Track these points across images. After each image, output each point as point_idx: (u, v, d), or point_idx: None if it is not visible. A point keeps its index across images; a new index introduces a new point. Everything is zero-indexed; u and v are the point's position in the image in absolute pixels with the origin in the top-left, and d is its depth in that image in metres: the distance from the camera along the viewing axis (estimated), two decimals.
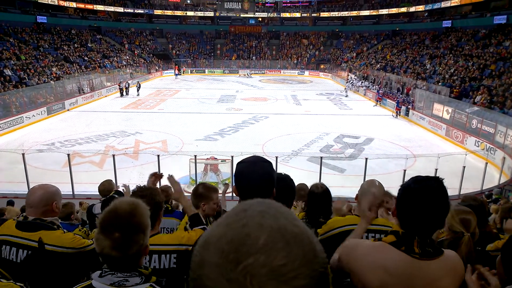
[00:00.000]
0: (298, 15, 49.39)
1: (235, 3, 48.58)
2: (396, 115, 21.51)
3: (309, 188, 2.90)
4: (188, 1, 50.34)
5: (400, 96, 23.61)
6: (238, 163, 1.56)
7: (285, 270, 0.47)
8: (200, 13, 49.71)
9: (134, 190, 2.20)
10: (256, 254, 0.48)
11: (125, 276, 1.28)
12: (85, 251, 2.12)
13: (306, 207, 2.85)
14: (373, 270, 1.28)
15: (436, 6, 36.17)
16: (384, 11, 43.48)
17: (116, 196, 3.35)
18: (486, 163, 11.01)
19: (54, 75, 25.89)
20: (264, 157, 1.62)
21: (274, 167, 1.92)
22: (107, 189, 3.68)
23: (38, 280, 1.95)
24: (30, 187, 4.03)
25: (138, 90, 27.88)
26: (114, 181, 8.05)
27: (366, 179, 2.44)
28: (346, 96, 28.75)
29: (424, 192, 1.26)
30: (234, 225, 0.52)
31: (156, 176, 2.78)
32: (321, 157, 10.42)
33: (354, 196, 2.35)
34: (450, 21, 33.62)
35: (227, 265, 0.48)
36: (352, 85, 31.03)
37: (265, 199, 0.59)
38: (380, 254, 1.30)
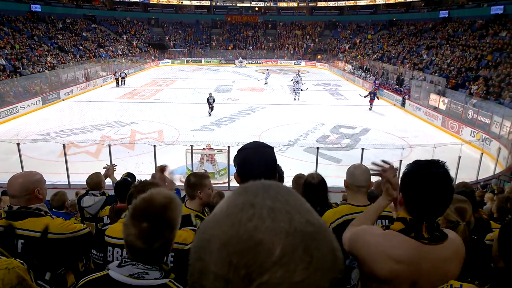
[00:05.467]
0: (295, 4, 48.90)
1: None
2: (371, 103, 20.26)
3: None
4: None
5: (384, 83, 23.48)
6: (239, 150, 1.50)
7: (305, 285, 0.41)
8: (196, 2, 49.06)
9: (135, 184, 2.19)
10: (272, 269, 0.40)
11: (145, 269, 1.24)
12: (77, 236, 2.10)
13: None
14: (382, 259, 1.29)
15: None
16: (381, 1, 43.18)
17: (129, 179, 3.32)
18: (482, 153, 11.07)
19: (49, 64, 25.60)
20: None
21: None
22: (95, 182, 3.67)
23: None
24: None
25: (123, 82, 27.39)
26: None
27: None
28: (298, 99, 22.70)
29: (432, 178, 1.27)
30: (241, 228, 0.43)
31: (162, 169, 2.43)
32: (318, 148, 10.44)
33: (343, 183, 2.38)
34: (447, 11, 33.47)
35: (238, 282, 0.41)
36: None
37: (270, 183, 0.52)
38: (389, 243, 1.31)
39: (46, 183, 2.25)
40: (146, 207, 1.25)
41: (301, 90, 22.37)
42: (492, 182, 8.97)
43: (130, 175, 3.81)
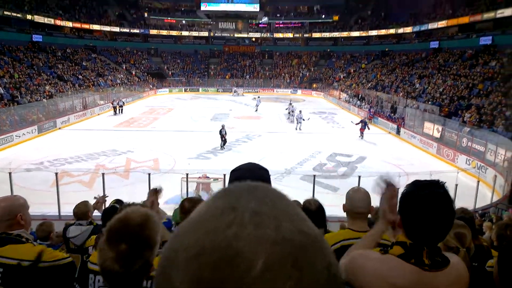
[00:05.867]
0: (290, 35, 50.37)
1: (229, 23, 49.39)
2: (361, 132, 20.27)
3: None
4: (184, 22, 51.14)
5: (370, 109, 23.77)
6: (233, 170, 1.45)
7: None
8: (195, 33, 50.44)
9: (124, 205, 2.12)
10: (252, 286, 0.33)
11: None
12: (57, 265, 2.01)
13: None
14: (379, 285, 1.23)
15: (424, 27, 37.29)
16: (374, 32, 44.60)
17: (117, 205, 3.23)
18: (478, 181, 11.06)
19: (47, 93, 25.81)
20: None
21: None
22: (82, 211, 3.54)
23: None
24: None
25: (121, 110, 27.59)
26: None
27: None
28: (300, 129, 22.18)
29: (433, 198, 1.20)
30: (218, 236, 0.36)
31: (157, 192, 2.45)
32: (314, 176, 10.38)
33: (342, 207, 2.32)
34: (438, 42, 34.53)
35: None
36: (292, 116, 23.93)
37: (257, 184, 0.45)
38: (388, 269, 1.24)
39: (37, 214, 2.20)
40: (122, 227, 1.19)
41: (303, 120, 22.13)
42: (490, 211, 8.88)
43: (118, 202, 3.70)
